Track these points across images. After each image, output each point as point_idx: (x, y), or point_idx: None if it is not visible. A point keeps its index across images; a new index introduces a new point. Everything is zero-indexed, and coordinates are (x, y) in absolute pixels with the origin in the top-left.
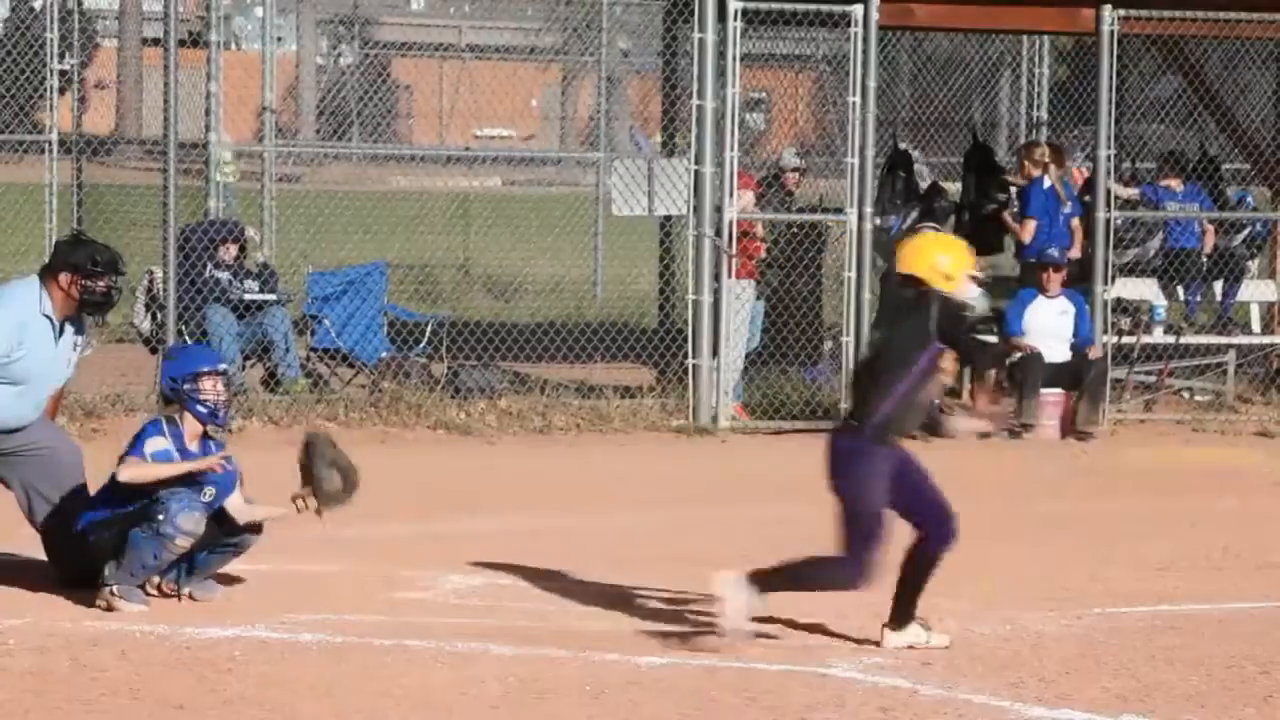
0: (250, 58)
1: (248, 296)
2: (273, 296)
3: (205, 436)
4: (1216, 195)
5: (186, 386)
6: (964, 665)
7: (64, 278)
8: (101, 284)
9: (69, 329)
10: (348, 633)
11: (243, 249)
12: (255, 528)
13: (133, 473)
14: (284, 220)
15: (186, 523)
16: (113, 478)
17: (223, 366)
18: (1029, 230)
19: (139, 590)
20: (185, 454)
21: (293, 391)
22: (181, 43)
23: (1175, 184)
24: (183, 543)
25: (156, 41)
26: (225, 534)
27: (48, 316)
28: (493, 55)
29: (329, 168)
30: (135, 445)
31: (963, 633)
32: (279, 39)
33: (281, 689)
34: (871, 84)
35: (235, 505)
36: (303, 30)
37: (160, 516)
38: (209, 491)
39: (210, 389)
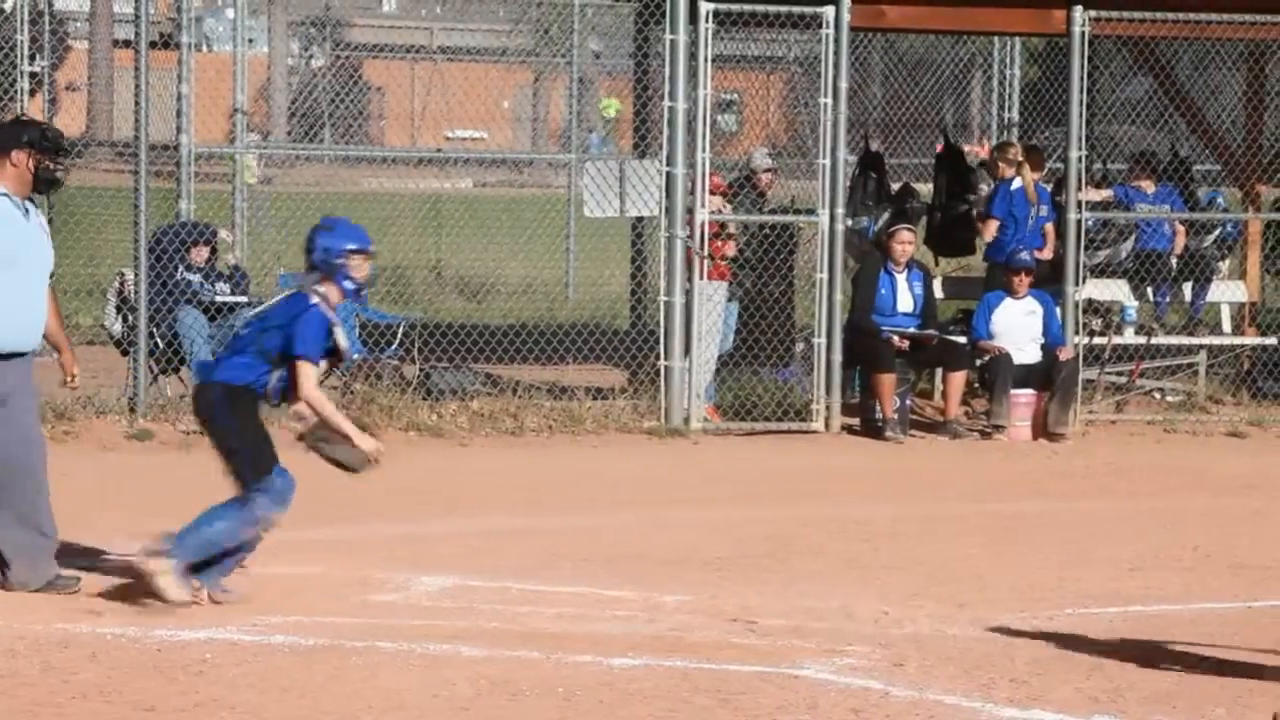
0: (222, 59)
1: (219, 299)
2: (244, 299)
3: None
4: (1187, 196)
5: (339, 260)
6: (935, 666)
7: (17, 155)
8: (54, 160)
9: (31, 210)
10: (319, 635)
11: (214, 251)
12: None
13: (316, 397)
14: (255, 222)
15: (279, 517)
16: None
17: (373, 248)
18: (990, 230)
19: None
20: None
21: None
22: (153, 44)
23: (1148, 185)
24: (262, 532)
25: (127, 43)
26: None
27: (6, 195)
28: (464, 57)
29: (300, 169)
30: (305, 336)
31: (934, 633)
32: (250, 41)
33: (253, 691)
34: (843, 85)
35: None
36: (274, 32)
37: (257, 497)
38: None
39: (359, 266)
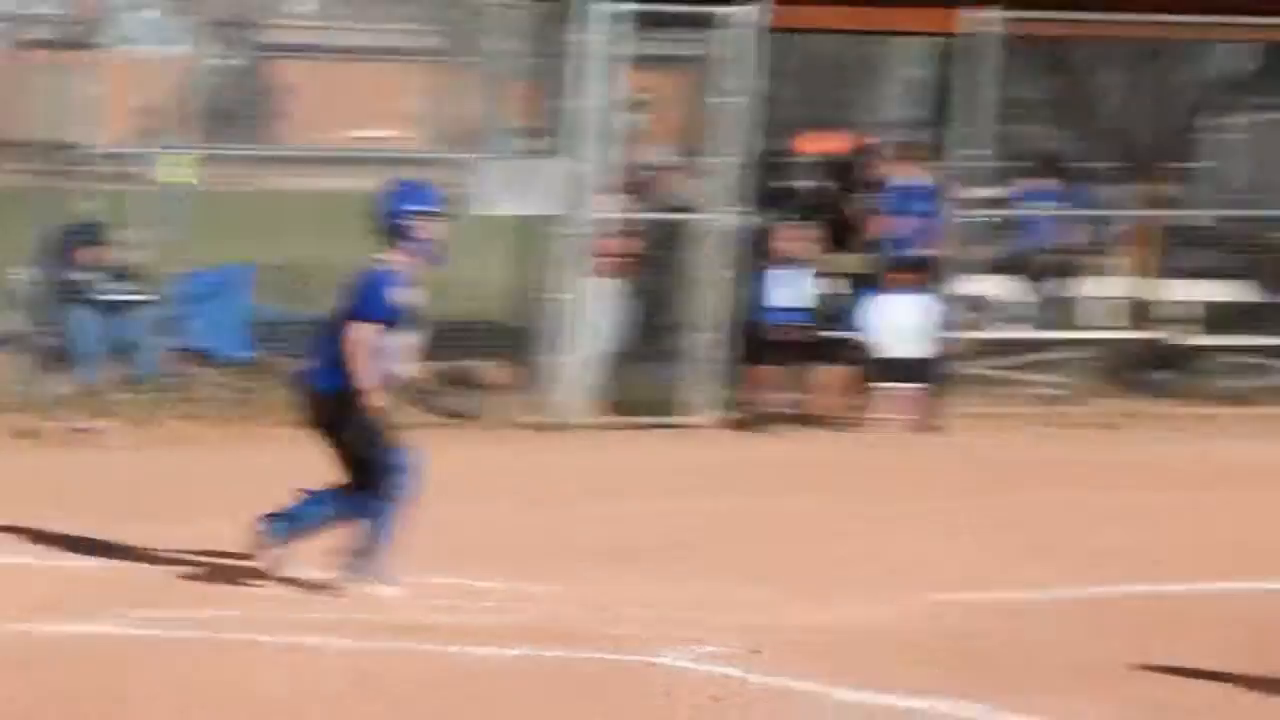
0: (129, 59)
1: (111, 297)
2: (137, 297)
3: None
4: (1069, 193)
5: (403, 221)
6: (790, 653)
7: None
8: None
9: None
10: (192, 629)
11: (107, 250)
12: None
13: (356, 350)
14: (155, 220)
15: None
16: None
17: (438, 209)
18: (879, 226)
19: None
20: None
21: (155, 392)
22: (62, 44)
23: (1031, 182)
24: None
25: (38, 43)
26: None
27: None
28: (372, 57)
29: (208, 168)
30: (373, 301)
31: (800, 624)
32: (161, 40)
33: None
34: (745, 84)
35: None
36: (184, 32)
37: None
38: None
39: (424, 227)
